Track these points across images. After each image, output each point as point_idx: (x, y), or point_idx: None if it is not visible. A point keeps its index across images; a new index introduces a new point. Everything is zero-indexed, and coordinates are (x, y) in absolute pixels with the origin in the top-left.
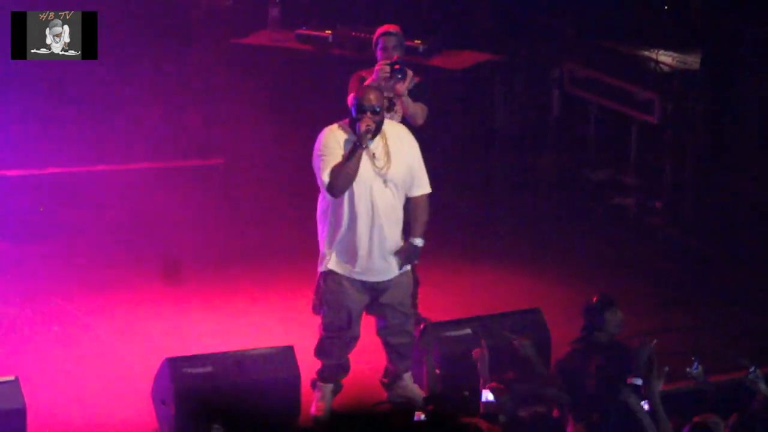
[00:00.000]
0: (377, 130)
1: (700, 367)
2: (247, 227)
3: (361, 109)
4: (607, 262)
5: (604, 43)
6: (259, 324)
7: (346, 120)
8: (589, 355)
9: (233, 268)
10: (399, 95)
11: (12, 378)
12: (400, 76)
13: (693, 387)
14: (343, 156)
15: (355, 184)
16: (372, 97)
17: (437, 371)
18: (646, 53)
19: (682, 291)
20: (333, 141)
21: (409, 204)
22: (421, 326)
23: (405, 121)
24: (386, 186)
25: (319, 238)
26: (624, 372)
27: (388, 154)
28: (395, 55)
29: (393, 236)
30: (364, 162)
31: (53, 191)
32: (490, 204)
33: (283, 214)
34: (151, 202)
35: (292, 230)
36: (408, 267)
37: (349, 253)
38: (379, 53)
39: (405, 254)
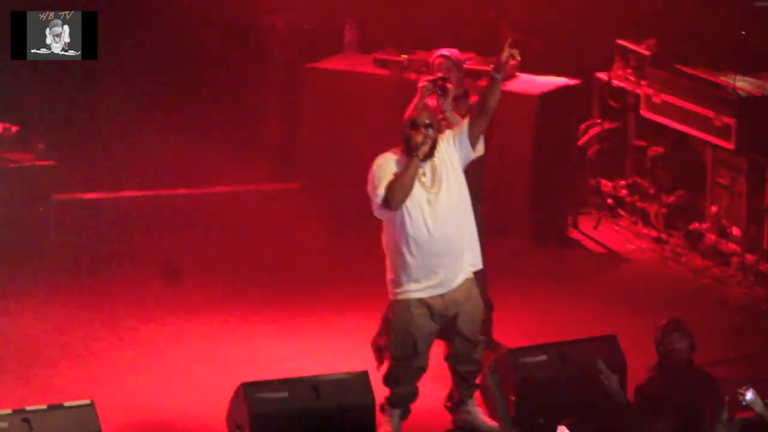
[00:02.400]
0: (432, 149)
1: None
2: (323, 251)
3: (415, 125)
4: (682, 285)
5: (681, 68)
6: (335, 348)
7: (399, 147)
8: (667, 382)
9: (309, 292)
10: (442, 112)
11: (88, 402)
12: (440, 92)
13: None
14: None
15: (412, 208)
16: (425, 115)
17: (512, 398)
18: (724, 78)
19: (759, 317)
20: (386, 164)
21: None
22: (497, 353)
23: None
24: (443, 201)
25: (387, 264)
26: (703, 400)
27: (435, 171)
28: (438, 73)
29: (461, 245)
30: (417, 186)
31: (129, 214)
32: (565, 228)
33: (360, 238)
34: (228, 225)
35: (368, 254)
36: (475, 290)
37: (421, 274)
38: (431, 75)
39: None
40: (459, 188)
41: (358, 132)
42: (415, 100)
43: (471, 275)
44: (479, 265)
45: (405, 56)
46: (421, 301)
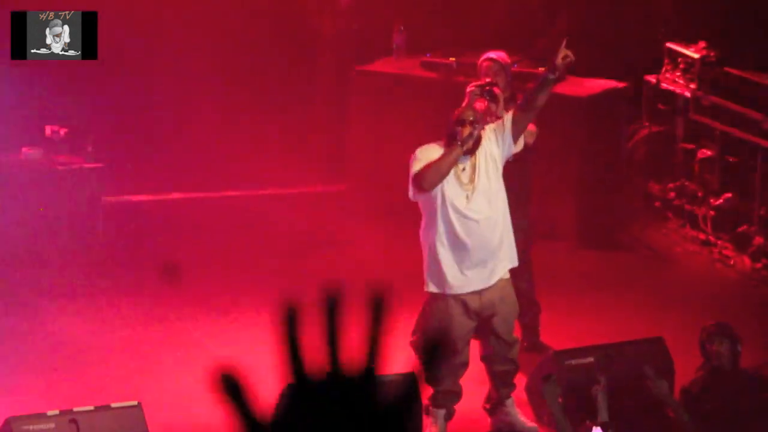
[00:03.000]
0: (475, 145)
1: None
2: (370, 252)
3: (461, 121)
4: (730, 290)
5: (730, 71)
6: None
7: (442, 139)
8: (712, 383)
9: (357, 292)
10: (497, 117)
11: (135, 403)
12: (488, 98)
13: None
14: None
15: (452, 202)
16: (470, 112)
17: (560, 400)
18: None
19: None
20: (428, 149)
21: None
22: (544, 355)
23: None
24: (481, 199)
25: (424, 259)
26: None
27: (476, 170)
28: (486, 78)
29: (495, 238)
30: (454, 182)
31: (177, 217)
32: (615, 231)
33: (407, 239)
34: (274, 227)
35: (414, 254)
36: (510, 289)
37: (457, 271)
38: (475, 80)
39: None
40: (498, 185)
41: (405, 135)
42: (464, 105)
43: (507, 275)
44: (515, 263)
45: (453, 59)
46: (457, 298)
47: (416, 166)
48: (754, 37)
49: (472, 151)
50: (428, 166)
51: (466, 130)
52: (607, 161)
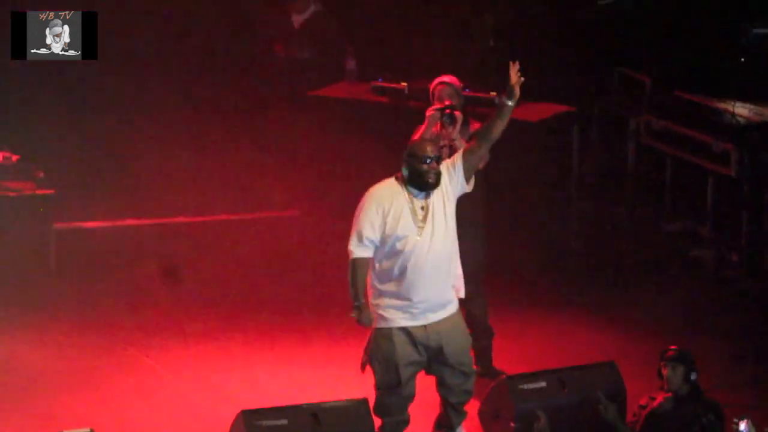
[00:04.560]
0: (437, 181)
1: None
2: (322, 279)
3: (424, 159)
4: (684, 314)
5: (680, 95)
6: (335, 376)
7: (395, 176)
8: (671, 408)
9: (309, 320)
10: (452, 140)
11: (87, 430)
12: (448, 121)
13: None
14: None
15: (401, 240)
16: (430, 148)
17: (512, 424)
18: (723, 105)
19: (760, 344)
20: (373, 203)
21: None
22: (498, 379)
23: None
24: (435, 237)
25: (369, 292)
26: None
27: (428, 202)
28: (445, 101)
29: (446, 281)
30: (408, 218)
31: (129, 243)
32: (565, 254)
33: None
34: (228, 253)
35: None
36: (459, 318)
37: (404, 305)
38: (435, 104)
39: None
40: (451, 223)
41: (356, 159)
42: (422, 128)
43: (457, 309)
44: (462, 295)
45: (405, 84)
46: (402, 329)
47: (360, 225)
48: (704, 59)
49: (433, 187)
50: (352, 273)
51: (432, 169)
52: (559, 184)
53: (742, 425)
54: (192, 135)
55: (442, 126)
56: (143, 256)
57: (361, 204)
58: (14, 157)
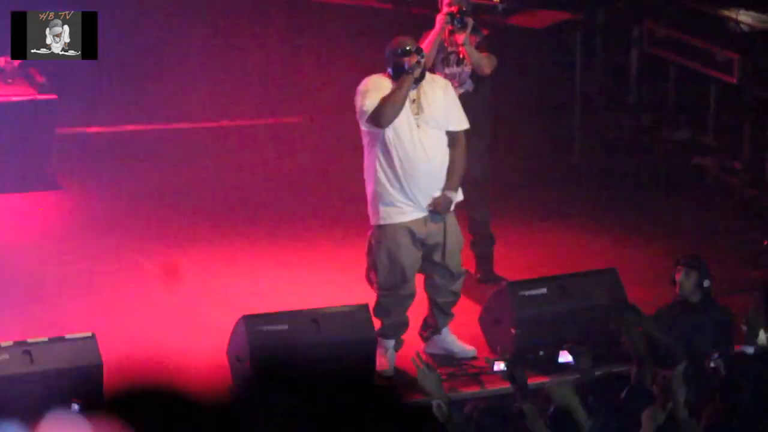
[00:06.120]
0: (422, 74)
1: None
2: (324, 184)
3: (405, 52)
4: (686, 222)
5: (683, 2)
6: (336, 281)
7: (384, 73)
8: (679, 313)
9: (311, 226)
10: (461, 45)
11: (89, 334)
12: (459, 25)
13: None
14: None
15: (398, 131)
16: (409, 40)
17: (513, 330)
18: (727, 13)
19: (762, 251)
20: (374, 81)
21: (449, 149)
22: (499, 285)
23: (475, 73)
24: (427, 128)
25: (368, 192)
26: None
27: (422, 99)
28: (455, 7)
29: (442, 174)
30: (405, 107)
31: (133, 149)
32: (569, 164)
33: (361, 171)
34: (230, 160)
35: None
36: (453, 220)
37: (403, 198)
38: (444, 9)
39: (438, 205)
40: (443, 122)
41: (357, 66)
42: (433, 33)
43: (453, 210)
44: (461, 197)
45: None
46: (404, 226)
47: (367, 101)
48: None
49: (419, 80)
50: (383, 102)
51: (413, 59)
52: (563, 93)
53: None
54: (193, 41)
55: (452, 31)
56: (144, 161)
57: (360, 89)
58: (16, 62)
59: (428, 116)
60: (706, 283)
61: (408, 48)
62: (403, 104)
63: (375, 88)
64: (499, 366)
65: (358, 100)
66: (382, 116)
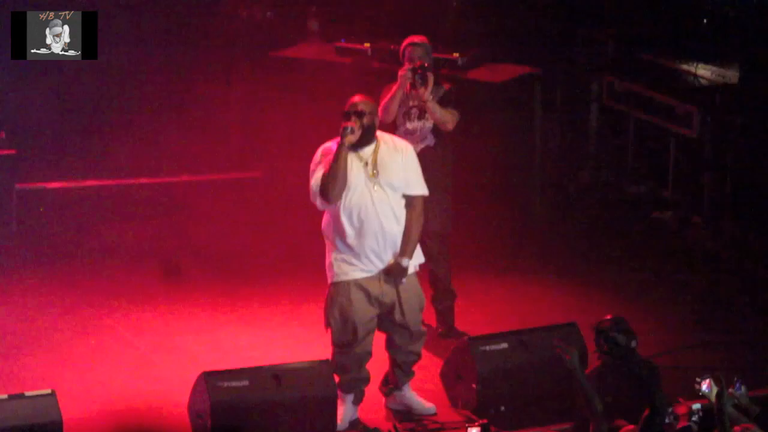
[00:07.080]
0: (367, 134)
1: (743, 387)
2: (285, 241)
3: (344, 114)
4: (646, 276)
5: (643, 57)
6: (298, 337)
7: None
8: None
9: (272, 281)
10: (423, 101)
11: (49, 391)
12: (421, 81)
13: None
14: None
15: (353, 192)
16: (357, 100)
17: (474, 386)
18: (685, 67)
19: (721, 306)
20: (326, 152)
21: (406, 213)
22: (460, 341)
23: (436, 128)
24: (383, 190)
25: (327, 252)
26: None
27: (379, 161)
28: (418, 62)
29: (396, 235)
30: (359, 170)
31: (92, 204)
32: (528, 217)
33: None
34: (190, 214)
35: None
36: (413, 279)
37: (358, 256)
38: (406, 64)
39: (391, 272)
40: (400, 185)
41: (319, 121)
42: (394, 88)
43: (413, 270)
44: (422, 259)
45: (368, 44)
46: (357, 284)
47: (313, 181)
48: (667, 21)
49: (361, 144)
50: (324, 180)
51: (346, 124)
52: (522, 146)
53: (704, 385)
54: (154, 96)
55: (414, 86)
56: (105, 218)
57: (313, 161)
58: None
59: (385, 179)
60: (633, 344)
61: (347, 111)
62: (344, 175)
63: (318, 166)
64: None
65: (310, 177)
66: (327, 194)
